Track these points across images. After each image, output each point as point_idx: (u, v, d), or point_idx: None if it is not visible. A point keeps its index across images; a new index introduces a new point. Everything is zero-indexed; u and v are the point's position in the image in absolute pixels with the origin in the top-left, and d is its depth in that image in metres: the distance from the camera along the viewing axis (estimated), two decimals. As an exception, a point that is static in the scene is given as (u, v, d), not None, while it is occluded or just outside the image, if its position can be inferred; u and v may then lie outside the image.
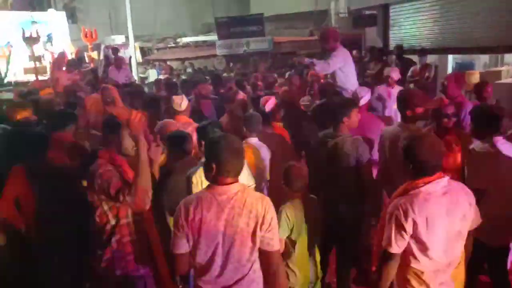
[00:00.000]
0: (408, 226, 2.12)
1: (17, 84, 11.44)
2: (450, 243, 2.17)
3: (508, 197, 2.82)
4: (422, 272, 2.20)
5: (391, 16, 10.53)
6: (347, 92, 4.68)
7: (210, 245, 2.08)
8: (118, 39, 17.59)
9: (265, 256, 2.13)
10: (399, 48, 8.41)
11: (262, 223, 2.06)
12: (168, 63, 15.92)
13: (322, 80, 6.08)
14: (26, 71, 11.23)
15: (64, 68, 8.34)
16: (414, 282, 2.22)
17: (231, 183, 2.09)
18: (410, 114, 3.30)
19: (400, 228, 2.13)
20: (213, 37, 16.76)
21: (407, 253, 2.19)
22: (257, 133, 3.59)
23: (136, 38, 15.43)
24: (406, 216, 2.11)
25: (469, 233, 2.27)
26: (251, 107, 4.75)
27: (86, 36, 11.38)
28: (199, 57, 16.84)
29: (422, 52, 8.15)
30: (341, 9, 14.95)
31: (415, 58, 8.14)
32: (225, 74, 11.99)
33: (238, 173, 2.13)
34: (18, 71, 12.09)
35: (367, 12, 11.68)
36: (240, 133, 3.82)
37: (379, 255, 2.28)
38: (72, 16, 17.71)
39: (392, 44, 10.14)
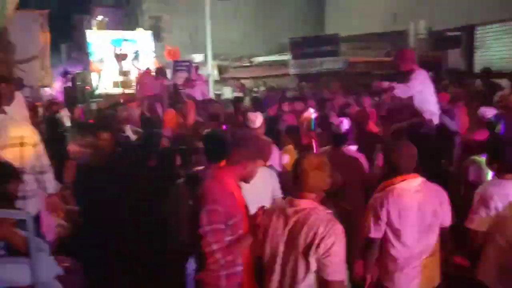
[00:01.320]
0: (383, 215, 2.54)
1: (106, 96, 12.55)
2: (422, 234, 2.55)
3: None
4: (398, 258, 2.56)
5: (476, 37, 9.96)
6: (426, 114, 4.49)
7: (273, 251, 2.13)
8: (198, 58, 18.57)
9: (321, 284, 2.03)
10: (487, 72, 7.88)
11: (318, 246, 1.98)
12: (242, 81, 16.43)
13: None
14: (115, 84, 12.27)
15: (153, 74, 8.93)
16: (391, 266, 2.58)
17: (307, 198, 2.11)
18: None
19: (377, 217, 2.55)
20: (286, 56, 17.03)
21: (386, 241, 2.58)
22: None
23: (214, 57, 16.17)
24: (381, 206, 2.55)
25: (447, 230, 2.62)
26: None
27: (169, 54, 12.17)
28: (272, 75, 17.17)
29: (512, 76, 7.56)
30: (420, 30, 14.45)
31: (503, 82, 7.58)
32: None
33: (319, 189, 2.13)
34: (108, 84, 13.27)
35: (450, 34, 11.15)
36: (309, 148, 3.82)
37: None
38: (157, 35, 18.99)
39: (477, 67, 9.56)
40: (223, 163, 2.30)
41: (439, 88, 8.05)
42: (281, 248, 2.10)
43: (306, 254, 2.01)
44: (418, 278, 2.57)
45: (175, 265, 3.56)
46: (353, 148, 4.10)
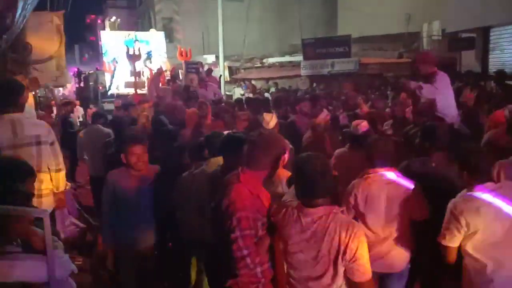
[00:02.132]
0: (351, 199, 2.81)
1: (118, 96, 12.66)
2: (388, 222, 2.74)
3: None
4: (368, 238, 2.53)
5: (491, 39, 9.83)
6: (447, 117, 4.40)
7: (296, 260, 2.13)
8: (209, 58, 18.66)
9: (351, 285, 2.06)
10: (501, 74, 7.76)
11: (345, 252, 1.99)
12: (254, 82, 16.46)
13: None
14: (127, 85, 12.36)
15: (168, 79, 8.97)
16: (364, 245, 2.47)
17: (320, 204, 2.07)
18: None
19: (348, 200, 2.83)
20: (298, 57, 17.01)
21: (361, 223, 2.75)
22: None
23: (226, 58, 16.24)
24: (351, 191, 2.82)
25: (418, 225, 2.74)
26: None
27: (181, 55, 12.24)
28: (284, 77, 17.17)
29: (528, 78, 7.43)
30: (434, 32, 14.31)
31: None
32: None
33: (326, 194, 2.10)
34: (120, 84, 13.38)
35: (464, 35, 11.02)
36: (323, 149, 3.78)
37: None
38: (169, 36, 19.17)
39: (492, 68, 9.43)
40: (245, 168, 2.27)
41: (454, 91, 7.97)
42: (302, 258, 2.10)
43: (333, 262, 2.02)
44: (382, 260, 2.74)
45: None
46: None
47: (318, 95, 8.22)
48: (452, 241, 2.39)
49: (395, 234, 2.76)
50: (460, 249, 2.41)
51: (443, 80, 4.44)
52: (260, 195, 2.22)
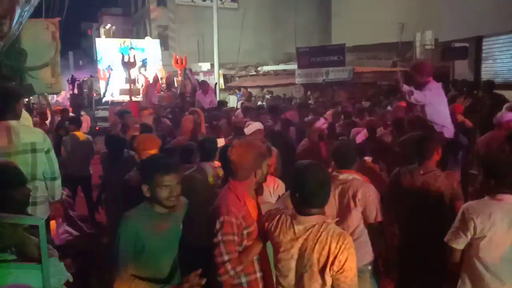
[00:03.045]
0: None
1: (113, 103, 12.64)
2: (341, 216, 2.86)
3: None
4: None
5: (484, 48, 9.95)
6: (436, 126, 4.46)
7: (286, 268, 2.12)
8: (204, 66, 18.71)
9: None
10: (489, 84, 7.83)
11: (333, 264, 1.97)
12: (249, 90, 16.52)
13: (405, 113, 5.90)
14: (122, 92, 12.35)
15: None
16: (353, 258, 2.57)
17: (314, 213, 2.06)
18: None
19: None
20: (293, 66, 17.11)
21: None
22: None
23: (221, 66, 16.29)
24: None
25: (374, 225, 2.85)
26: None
27: (176, 62, 12.27)
28: (278, 85, 17.25)
29: (520, 87, 7.52)
30: (427, 41, 14.49)
31: (510, 93, 7.55)
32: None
33: (323, 204, 2.09)
34: (115, 92, 13.38)
35: (457, 45, 11.15)
36: (318, 157, 3.78)
37: None
38: (164, 44, 19.21)
39: (484, 78, 9.54)
40: (232, 179, 2.28)
41: (448, 99, 8.04)
42: (293, 265, 2.08)
43: (320, 272, 2.00)
44: None
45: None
46: (368, 158, 4.08)
47: (305, 104, 8.20)
48: (457, 243, 2.39)
49: (350, 226, 2.89)
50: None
51: (434, 89, 4.48)
52: (247, 203, 2.22)
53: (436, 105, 4.47)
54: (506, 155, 2.87)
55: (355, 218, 2.89)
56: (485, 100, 7.28)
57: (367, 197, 2.85)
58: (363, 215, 2.90)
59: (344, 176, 2.94)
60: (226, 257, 2.09)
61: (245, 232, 2.16)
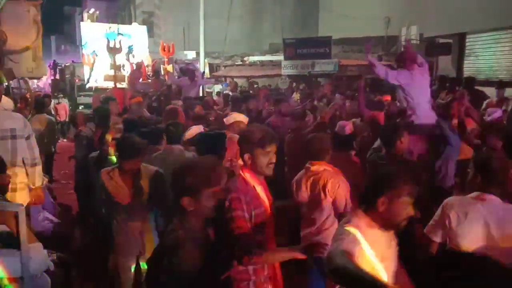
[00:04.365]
0: (292, 185, 3.30)
1: (97, 89, 12.42)
2: (310, 207, 3.09)
3: None
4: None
5: (467, 45, 10.13)
6: (416, 118, 4.42)
7: None
8: (190, 55, 18.51)
9: None
10: (470, 80, 7.97)
11: None
12: (235, 80, 16.44)
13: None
14: (106, 78, 12.13)
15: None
16: None
17: None
18: None
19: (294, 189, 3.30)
20: (279, 57, 17.08)
21: None
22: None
23: (206, 55, 16.14)
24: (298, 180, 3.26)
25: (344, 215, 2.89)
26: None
27: (163, 50, 12.10)
28: (264, 75, 17.20)
29: (500, 85, 7.68)
30: (412, 36, 14.61)
31: (491, 90, 7.72)
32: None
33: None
34: (99, 78, 13.12)
35: (441, 41, 11.31)
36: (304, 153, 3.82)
37: None
38: (149, 31, 18.88)
39: (466, 74, 9.72)
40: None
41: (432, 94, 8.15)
42: None
43: None
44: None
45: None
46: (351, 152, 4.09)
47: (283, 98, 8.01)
48: (435, 236, 2.44)
49: (317, 221, 3.07)
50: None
51: (407, 73, 4.37)
52: (256, 187, 2.30)
53: (411, 92, 4.40)
54: (498, 153, 2.83)
55: (326, 208, 3.01)
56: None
57: (336, 188, 2.98)
58: (333, 205, 2.98)
59: (315, 167, 3.08)
60: (237, 231, 2.14)
61: (252, 212, 2.23)
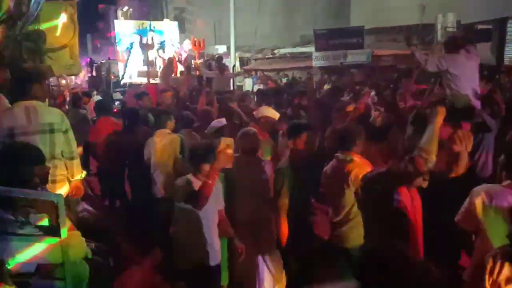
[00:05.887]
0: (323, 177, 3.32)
1: (131, 85, 12.74)
2: (339, 196, 3.04)
3: None
4: None
5: (508, 31, 9.65)
6: (466, 99, 4.32)
7: None
8: (221, 49, 18.64)
9: None
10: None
11: None
12: (265, 73, 16.41)
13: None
14: (140, 74, 12.42)
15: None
16: None
17: None
18: None
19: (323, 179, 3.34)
20: (310, 48, 16.88)
21: None
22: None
23: (237, 49, 16.19)
24: None
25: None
26: None
27: (194, 45, 12.25)
28: (295, 68, 17.07)
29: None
30: (449, 23, 14.07)
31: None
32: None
33: None
34: (133, 74, 13.45)
35: (480, 27, 10.83)
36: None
37: None
38: (180, 27, 19.13)
39: (507, 62, 9.27)
40: None
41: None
42: None
43: None
44: None
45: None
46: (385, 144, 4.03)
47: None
48: (463, 222, 2.39)
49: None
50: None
51: (452, 59, 4.40)
52: None
53: (458, 75, 4.32)
54: None
55: (349, 198, 2.94)
56: (507, 86, 7.11)
57: (359, 178, 2.86)
58: (356, 196, 2.91)
59: (343, 157, 3.04)
60: None
61: None
